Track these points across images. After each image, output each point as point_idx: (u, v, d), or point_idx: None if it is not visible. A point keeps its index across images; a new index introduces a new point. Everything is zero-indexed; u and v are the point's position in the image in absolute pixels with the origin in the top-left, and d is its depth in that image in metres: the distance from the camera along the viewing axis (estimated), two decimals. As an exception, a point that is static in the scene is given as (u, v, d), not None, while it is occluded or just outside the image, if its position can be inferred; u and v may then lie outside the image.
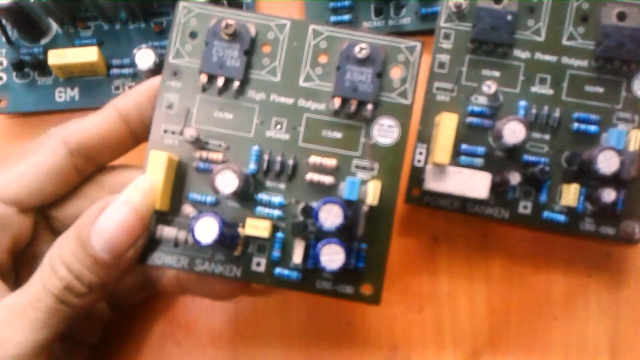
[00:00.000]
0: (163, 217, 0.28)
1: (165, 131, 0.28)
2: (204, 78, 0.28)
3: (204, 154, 0.28)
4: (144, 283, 0.31)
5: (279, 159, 0.28)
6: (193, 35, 0.28)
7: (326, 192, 0.28)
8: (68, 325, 0.26)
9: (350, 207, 0.27)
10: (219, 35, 0.28)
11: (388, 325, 0.34)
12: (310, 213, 0.27)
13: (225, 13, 0.28)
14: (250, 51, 0.28)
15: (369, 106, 0.27)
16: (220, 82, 0.28)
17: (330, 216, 0.26)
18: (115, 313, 0.33)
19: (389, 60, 0.28)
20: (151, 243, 0.28)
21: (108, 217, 0.25)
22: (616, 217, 0.32)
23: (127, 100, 0.29)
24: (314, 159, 0.28)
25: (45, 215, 0.30)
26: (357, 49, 0.27)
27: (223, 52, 0.28)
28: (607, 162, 0.29)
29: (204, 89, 0.28)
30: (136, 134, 0.30)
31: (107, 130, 0.29)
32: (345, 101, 0.27)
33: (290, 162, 0.28)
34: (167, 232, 0.28)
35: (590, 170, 0.30)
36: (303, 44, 0.28)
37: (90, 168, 0.30)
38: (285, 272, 0.28)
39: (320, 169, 0.28)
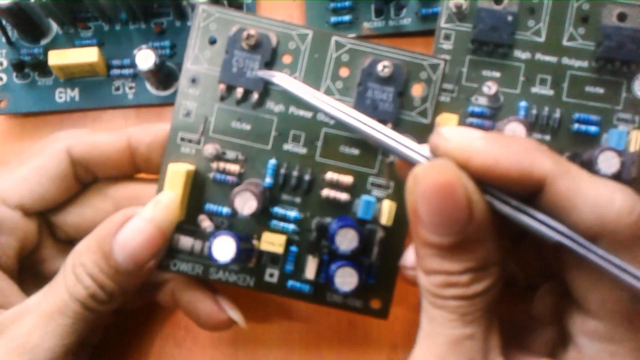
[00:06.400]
0: (179, 225, 0.28)
1: (183, 139, 0.28)
2: (222, 88, 0.28)
3: (221, 165, 0.28)
4: (142, 292, 0.31)
5: (295, 173, 0.28)
6: (212, 41, 0.28)
7: (341, 209, 0.28)
8: (91, 329, 0.27)
9: (364, 225, 0.28)
10: (239, 45, 0.27)
11: (388, 325, 0.34)
12: (324, 231, 0.28)
13: (246, 19, 0.28)
14: (270, 62, 0.28)
15: (389, 125, 0.27)
16: (239, 93, 0.28)
17: (346, 240, 0.26)
18: (114, 317, 0.33)
19: (410, 77, 0.27)
20: (168, 250, 0.28)
21: (131, 231, 0.26)
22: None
23: (142, 135, 0.29)
24: (330, 175, 0.28)
25: (47, 222, 0.30)
26: (379, 67, 0.27)
27: (243, 62, 0.27)
28: (607, 163, 0.29)
29: (223, 99, 0.28)
30: (138, 166, 0.30)
31: (113, 152, 0.30)
32: None
33: (307, 177, 0.28)
34: (183, 242, 0.28)
35: (591, 171, 0.30)
36: (325, 55, 0.28)
37: (88, 178, 0.31)
38: (298, 284, 0.28)
39: (337, 185, 0.28)
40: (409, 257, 0.27)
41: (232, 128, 0.28)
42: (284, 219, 0.28)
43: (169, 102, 0.37)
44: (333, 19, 0.36)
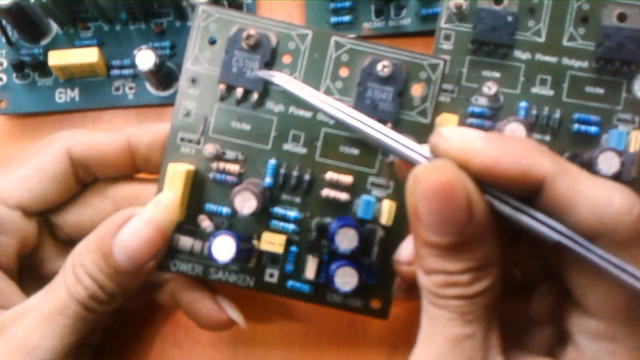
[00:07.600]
0: (179, 225, 0.28)
1: (183, 139, 0.28)
2: (222, 88, 0.28)
3: (221, 165, 0.28)
4: (142, 292, 0.31)
5: (295, 173, 0.28)
6: (212, 41, 0.28)
7: (341, 209, 0.28)
8: (91, 329, 0.27)
9: (364, 224, 0.28)
10: (239, 45, 0.27)
11: (388, 325, 0.34)
12: (324, 231, 0.28)
13: (246, 20, 0.28)
14: (270, 62, 0.28)
15: (388, 125, 0.27)
16: (239, 93, 0.28)
17: (346, 240, 0.26)
18: (114, 317, 0.33)
19: (410, 77, 0.27)
20: (168, 250, 0.28)
21: (130, 232, 0.26)
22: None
23: (141, 136, 0.29)
24: (330, 175, 0.28)
25: (46, 222, 0.30)
26: (379, 67, 0.27)
27: (243, 62, 0.28)
28: (607, 163, 0.29)
29: (222, 99, 0.28)
30: (137, 166, 0.30)
31: (113, 153, 0.30)
32: None
33: (307, 177, 0.28)
34: (183, 242, 0.28)
35: (591, 171, 0.30)
36: (324, 55, 0.28)
37: (88, 178, 0.31)
38: (298, 284, 0.28)
39: (336, 185, 0.28)
40: (403, 251, 0.27)
41: (232, 128, 0.28)
42: (284, 218, 0.28)
43: (169, 102, 0.37)
44: (333, 19, 0.36)
